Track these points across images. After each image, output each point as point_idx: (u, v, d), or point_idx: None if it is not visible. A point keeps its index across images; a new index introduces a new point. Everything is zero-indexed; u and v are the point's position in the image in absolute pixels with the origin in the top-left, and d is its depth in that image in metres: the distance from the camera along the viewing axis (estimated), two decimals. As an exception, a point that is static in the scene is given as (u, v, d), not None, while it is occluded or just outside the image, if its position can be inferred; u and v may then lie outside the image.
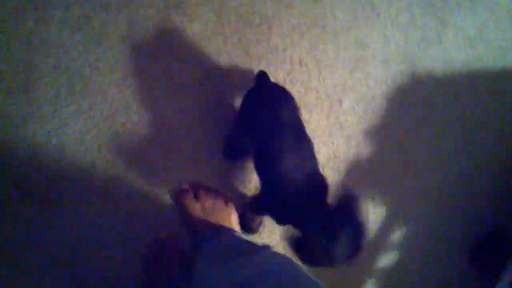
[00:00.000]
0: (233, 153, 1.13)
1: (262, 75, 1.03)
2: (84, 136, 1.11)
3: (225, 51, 1.18)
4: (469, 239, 1.28)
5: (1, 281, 1.06)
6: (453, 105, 1.27)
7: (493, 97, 1.29)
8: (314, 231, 0.79)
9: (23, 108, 1.08)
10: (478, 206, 1.28)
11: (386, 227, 1.24)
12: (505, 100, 1.29)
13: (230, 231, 1.04)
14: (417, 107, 1.25)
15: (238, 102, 1.14)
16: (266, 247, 0.86)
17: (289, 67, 1.20)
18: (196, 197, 1.11)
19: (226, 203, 1.13)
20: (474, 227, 1.27)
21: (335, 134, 1.22)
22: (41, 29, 1.09)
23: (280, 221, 0.94)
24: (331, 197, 0.85)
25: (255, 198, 1.06)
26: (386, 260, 1.24)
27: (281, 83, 1.19)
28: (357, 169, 1.22)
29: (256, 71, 1.07)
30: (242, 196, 1.16)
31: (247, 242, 0.92)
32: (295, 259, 0.80)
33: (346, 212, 0.81)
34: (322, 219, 0.79)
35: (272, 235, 1.18)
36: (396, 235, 1.25)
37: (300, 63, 1.21)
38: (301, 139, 0.91)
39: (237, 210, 1.12)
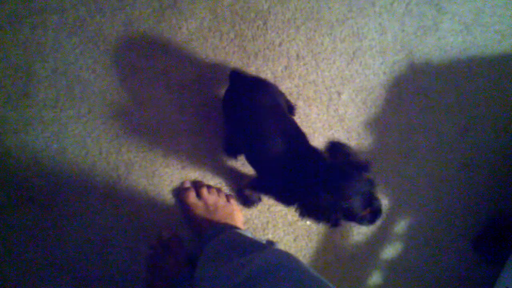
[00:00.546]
0: (232, 149, 1.13)
1: (233, 73, 1.04)
2: (84, 139, 1.11)
3: (222, 48, 1.18)
4: (473, 228, 1.27)
5: (4, 282, 1.07)
6: (452, 92, 1.26)
7: (492, 82, 1.28)
8: (316, 198, 0.79)
9: (23, 113, 1.09)
10: (481, 194, 1.27)
11: (389, 218, 1.24)
12: (504, 85, 1.28)
13: (233, 228, 1.05)
14: (416, 96, 1.25)
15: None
16: (269, 245, 0.86)
17: (286, 62, 1.20)
18: (199, 195, 1.11)
19: (228, 200, 1.14)
20: (478, 215, 1.27)
21: (335, 126, 1.22)
22: (38, 34, 1.10)
23: (281, 201, 0.94)
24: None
25: (253, 180, 1.07)
26: (390, 251, 1.24)
27: (278, 78, 1.19)
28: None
29: (231, 69, 1.08)
30: (241, 176, 1.17)
31: (251, 239, 0.92)
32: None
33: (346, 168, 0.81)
34: (321, 184, 0.79)
35: (276, 230, 1.18)
36: (400, 226, 1.25)
37: (297, 56, 1.21)
38: (281, 120, 0.92)
39: (235, 186, 1.14)
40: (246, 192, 1.14)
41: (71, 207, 1.10)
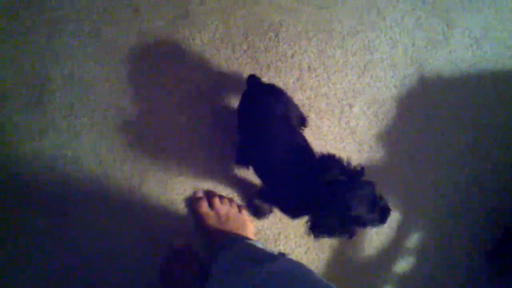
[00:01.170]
0: (244, 158, 1.13)
1: (251, 78, 1.05)
2: (98, 147, 1.11)
3: (234, 59, 1.19)
4: (486, 241, 1.26)
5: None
6: (463, 106, 1.26)
7: (503, 97, 1.29)
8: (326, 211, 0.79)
9: (38, 120, 1.09)
10: (493, 206, 1.26)
11: (401, 231, 1.23)
12: (514, 99, 1.29)
13: (244, 239, 1.04)
14: (427, 109, 1.25)
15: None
16: (281, 255, 0.85)
17: (298, 73, 1.21)
18: (211, 205, 1.11)
19: (240, 210, 1.13)
20: (491, 228, 1.26)
21: (347, 139, 1.22)
22: (54, 43, 1.12)
23: (286, 213, 0.94)
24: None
25: (261, 191, 1.07)
26: (402, 264, 1.23)
27: (290, 90, 1.20)
28: (370, 174, 1.22)
29: (247, 75, 1.09)
30: (252, 186, 1.16)
31: (262, 250, 0.92)
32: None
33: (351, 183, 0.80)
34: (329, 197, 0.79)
35: (287, 241, 1.17)
36: (412, 239, 1.24)
37: (309, 68, 1.22)
38: (290, 132, 0.92)
39: (246, 197, 1.14)
40: (255, 202, 1.14)
41: (84, 215, 1.09)
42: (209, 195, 1.14)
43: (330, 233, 0.81)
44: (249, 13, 1.20)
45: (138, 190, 1.12)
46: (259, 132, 0.91)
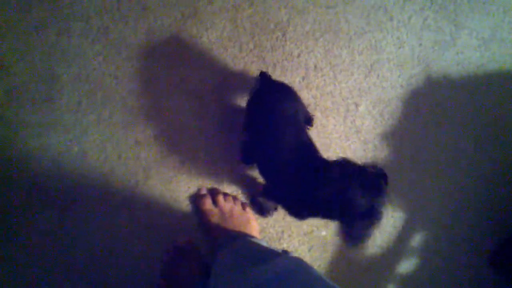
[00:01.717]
0: (249, 156, 1.14)
1: (263, 75, 1.05)
2: (104, 144, 1.13)
3: (241, 58, 1.19)
4: (489, 243, 1.26)
5: (20, 284, 1.08)
6: (470, 106, 1.26)
7: (509, 98, 1.28)
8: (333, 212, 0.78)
9: (46, 117, 1.11)
10: (498, 208, 1.26)
11: (405, 231, 1.23)
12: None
13: (247, 237, 1.04)
14: (433, 109, 1.25)
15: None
16: (283, 253, 0.85)
17: (304, 72, 1.22)
18: (215, 202, 1.12)
19: (244, 208, 1.14)
20: (494, 230, 1.25)
21: (352, 138, 1.22)
22: (62, 40, 1.13)
23: (292, 214, 0.94)
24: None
25: (265, 188, 1.07)
26: (405, 264, 1.23)
27: (296, 88, 1.20)
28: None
29: (254, 74, 1.09)
30: (257, 184, 1.17)
31: (266, 248, 0.92)
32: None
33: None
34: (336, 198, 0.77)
35: (291, 240, 1.18)
36: (415, 240, 1.24)
37: (315, 68, 1.22)
38: (297, 132, 0.91)
39: (249, 195, 1.15)
40: (260, 200, 1.14)
41: (89, 211, 1.10)
42: (213, 193, 1.14)
43: (367, 235, 0.80)
44: (257, 12, 1.20)
45: (143, 187, 1.13)
46: (267, 131, 0.91)
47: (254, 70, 1.19)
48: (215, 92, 1.18)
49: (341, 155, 1.19)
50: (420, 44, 1.26)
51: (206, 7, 1.19)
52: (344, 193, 0.75)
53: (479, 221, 1.25)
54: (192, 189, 1.15)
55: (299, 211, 0.90)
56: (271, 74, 1.18)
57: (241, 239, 1.02)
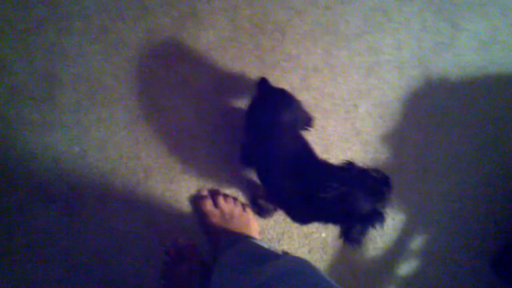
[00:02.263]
0: (248, 158, 1.14)
1: (262, 81, 1.05)
2: (105, 143, 1.12)
3: (240, 58, 1.19)
4: (491, 246, 1.25)
5: (23, 281, 1.07)
6: (469, 109, 1.26)
7: (509, 100, 1.28)
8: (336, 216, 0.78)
9: (46, 116, 1.10)
10: (500, 212, 1.25)
11: (406, 234, 1.23)
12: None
13: (248, 238, 1.04)
14: (433, 111, 1.25)
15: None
16: (284, 254, 0.85)
17: (303, 74, 1.22)
18: (215, 203, 1.11)
19: (244, 209, 1.13)
20: (496, 234, 1.25)
21: (352, 140, 1.22)
22: (62, 39, 1.13)
23: (292, 218, 0.93)
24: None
25: (266, 191, 1.06)
26: (405, 267, 1.22)
27: (296, 89, 1.20)
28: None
29: (256, 78, 1.09)
30: (257, 186, 1.16)
31: (266, 249, 0.92)
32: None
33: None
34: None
35: (291, 241, 1.17)
36: (416, 242, 1.23)
37: (315, 69, 1.22)
38: (295, 139, 0.92)
39: (250, 197, 1.14)
40: (260, 201, 1.14)
41: (90, 210, 1.10)
42: (214, 194, 1.14)
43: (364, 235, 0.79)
44: (256, 12, 1.21)
45: (143, 187, 1.13)
46: (265, 138, 0.90)
47: (253, 71, 1.19)
48: (215, 92, 1.17)
49: (341, 157, 1.20)
50: (419, 46, 1.27)
51: (206, 7, 1.19)
52: (347, 197, 0.75)
53: (480, 223, 1.25)
54: (193, 190, 1.15)
55: (300, 215, 0.90)
56: (270, 75, 1.18)
57: (242, 240, 1.01)
